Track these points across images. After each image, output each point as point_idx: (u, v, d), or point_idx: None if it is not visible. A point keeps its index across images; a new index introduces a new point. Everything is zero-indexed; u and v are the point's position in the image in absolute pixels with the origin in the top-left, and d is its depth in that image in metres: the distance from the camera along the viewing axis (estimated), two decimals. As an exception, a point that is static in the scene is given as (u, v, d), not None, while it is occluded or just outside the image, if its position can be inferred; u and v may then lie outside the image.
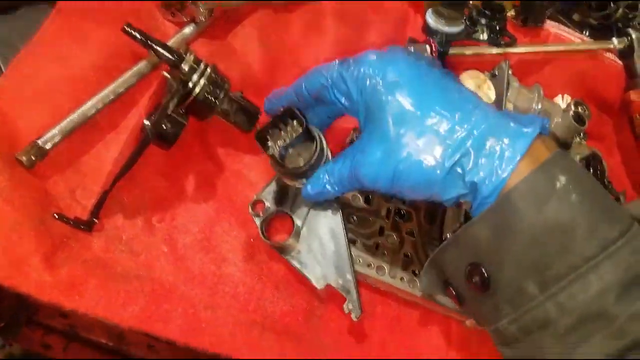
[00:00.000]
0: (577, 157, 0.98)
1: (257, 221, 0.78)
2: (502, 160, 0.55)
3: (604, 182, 0.96)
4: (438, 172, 0.57)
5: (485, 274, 0.55)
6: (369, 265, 0.80)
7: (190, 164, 0.81)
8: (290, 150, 0.71)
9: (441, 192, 0.58)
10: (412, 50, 0.86)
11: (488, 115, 0.58)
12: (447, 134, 0.57)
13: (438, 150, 0.57)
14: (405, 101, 0.60)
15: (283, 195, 0.79)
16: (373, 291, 0.83)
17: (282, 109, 0.70)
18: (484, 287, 0.55)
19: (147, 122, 0.72)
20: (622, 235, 0.52)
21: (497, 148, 0.55)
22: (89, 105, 0.74)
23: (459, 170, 0.57)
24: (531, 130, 0.56)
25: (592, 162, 0.96)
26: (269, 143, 0.70)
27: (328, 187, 0.70)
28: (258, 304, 0.76)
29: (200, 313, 0.72)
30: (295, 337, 0.76)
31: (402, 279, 0.80)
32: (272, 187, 0.80)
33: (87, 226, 0.70)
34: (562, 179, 0.53)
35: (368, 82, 0.62)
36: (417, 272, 0.81)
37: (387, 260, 0.81)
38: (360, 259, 0.80)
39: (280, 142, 0.70)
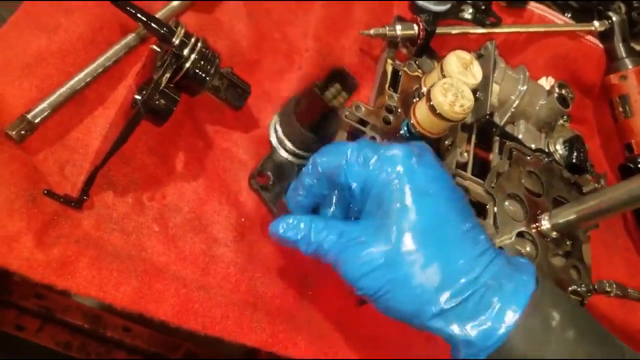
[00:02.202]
0: (561, 140, 0.99)
1: (266, 196, 0.77)
2: (501, 315, 0.52)
3: (587, 164, 0.98)
4: (433, 309, 0.54)
5: None
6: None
7: (180, 141, 0.79)
8: None
9: (427, 323, 0.55)
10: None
11: (494, 262, 0.55)
12: (454, 272, 0.54)
13: (440, 286, 0.53)
14: (429, 215, 0.54)
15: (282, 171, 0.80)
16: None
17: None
18: None
19: (138, 97, 0.70)
20: None
21: (496, 301, 0.53)
22: (78, 79, 0.72)
23: (453, 316, 0.54)
24: (531, 285, 0.54)
25: (575, 143, 0.98)
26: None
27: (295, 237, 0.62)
28: (250, 285, 0.75)
29: (193, 293, 0.71)
30: (287, 318, 0.75)
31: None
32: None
33: (77, 204, 0.68)
34: (556, 316, 0.52)
35: (393, 185, 0.55)
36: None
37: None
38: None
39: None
